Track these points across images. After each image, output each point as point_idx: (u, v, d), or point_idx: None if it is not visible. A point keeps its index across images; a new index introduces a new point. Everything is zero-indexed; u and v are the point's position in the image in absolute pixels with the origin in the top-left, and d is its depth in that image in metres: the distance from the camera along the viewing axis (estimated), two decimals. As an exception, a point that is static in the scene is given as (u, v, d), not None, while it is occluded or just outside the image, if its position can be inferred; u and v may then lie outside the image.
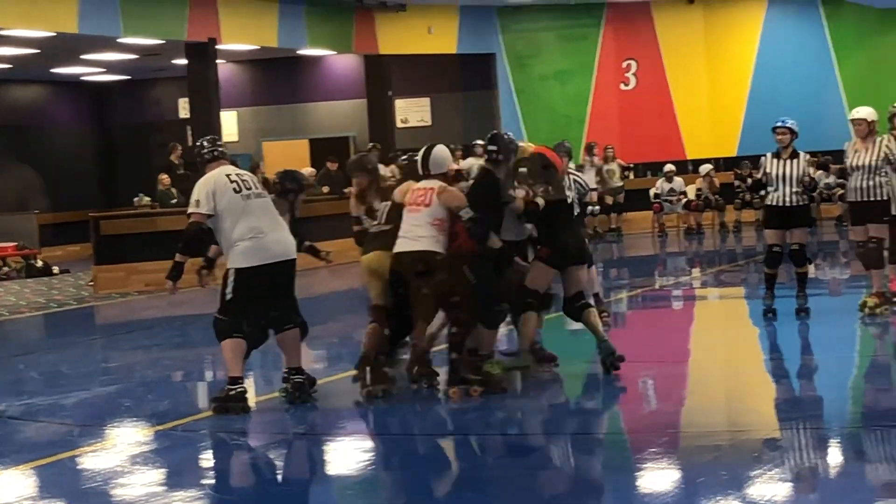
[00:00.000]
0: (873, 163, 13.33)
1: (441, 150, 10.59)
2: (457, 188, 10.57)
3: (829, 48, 29.04)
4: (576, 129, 28.66)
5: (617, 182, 28.28)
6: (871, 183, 13.39)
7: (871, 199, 13.40)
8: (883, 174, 13.29)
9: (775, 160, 13.48)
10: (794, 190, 13.39)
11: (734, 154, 28.89)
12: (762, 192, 13.67)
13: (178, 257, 10.13)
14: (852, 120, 13.65)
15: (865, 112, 13.65)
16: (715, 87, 29.73)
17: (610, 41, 29.72)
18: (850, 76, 28.82)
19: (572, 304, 10.97)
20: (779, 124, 13.51)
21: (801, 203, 13.48)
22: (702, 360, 11.73)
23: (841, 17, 28.50)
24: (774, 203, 13.48)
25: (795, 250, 13.61)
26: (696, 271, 20.76)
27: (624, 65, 29.63)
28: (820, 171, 25.34)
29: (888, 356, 12.13)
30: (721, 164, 28.86)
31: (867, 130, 13.50)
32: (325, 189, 24.63)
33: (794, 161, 13.44)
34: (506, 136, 10.82)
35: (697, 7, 29.64)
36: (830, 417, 9.31)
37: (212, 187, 10.05)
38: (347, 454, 9.11)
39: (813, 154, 16.75)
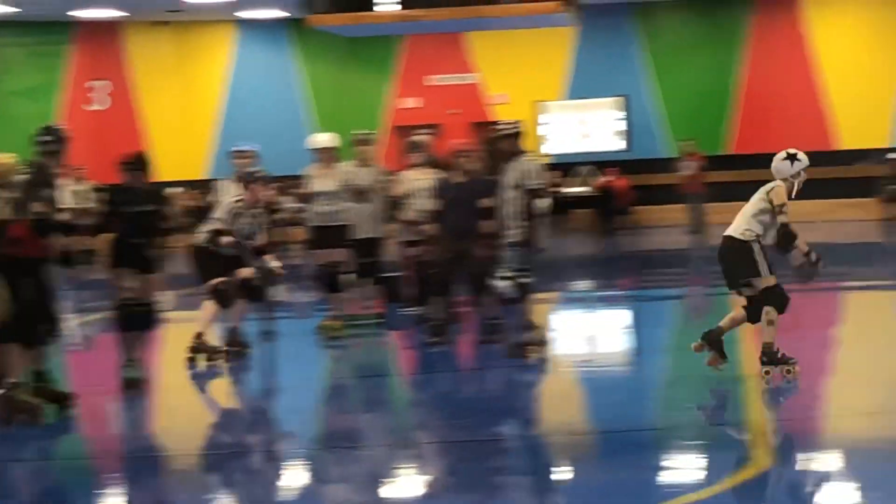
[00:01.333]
0: (334, 188, 13.61)
1: None
2: None
3: (297, 74, 29.57)
4: (44, 148, 27.86)
5: (90, 203, 27.63)
6: (332, 208, 13.66)
7: (332, 224, 13.67)
8: (343, 200, 13.58)
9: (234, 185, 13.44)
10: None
11: (204, 177, 28.86)
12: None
13: None
14: (314, 149, 13.91)
15: (326, 139, 13.96)
16: (187, 110, 29.69)
17: (80, 60, 29.15)
18: (319, 102, 29.44)
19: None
20: (239, 149, 13.54)
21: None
22: (166, 385, 11.62)
23: (309, 43, 29.02)
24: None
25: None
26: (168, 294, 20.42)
27: (93, 84, 29.11)
28: (285, 197, 25.66)
29: (346, 378, 12.39)
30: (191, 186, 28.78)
31: (328, 157, 13.79)
32: None
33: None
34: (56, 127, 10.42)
35: (168, 29, 29.50)
36: (292, 438, 9.43)
37: None
38: None
39: (282, 178, 16.89)
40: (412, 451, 8.92)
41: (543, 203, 11.81)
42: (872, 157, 27.28)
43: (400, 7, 14.45)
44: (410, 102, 29.31)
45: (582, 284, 20.42)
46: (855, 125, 27.81)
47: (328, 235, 13.73)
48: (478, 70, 29.18)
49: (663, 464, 8.25)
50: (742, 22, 28.62)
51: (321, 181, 13.72)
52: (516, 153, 11.72)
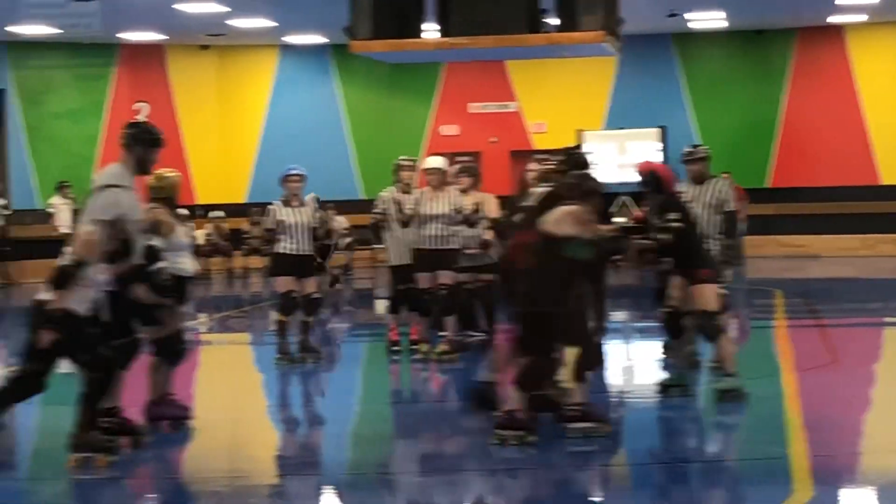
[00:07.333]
0: (446, 212, 13.46)
1: None
2: None
3: (338, 99, 29.66)
4: (86, 168, 27.90)
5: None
6: (444, 232, 13.49)
7: (442, 248, 13.51)
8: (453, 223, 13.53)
9: (286, 208, 13.41)
10: (306, 238, 13.38)
11: (244, 200, 29.01)
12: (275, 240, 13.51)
13: None
14: (426, 169, 13.75)
15: (438, 161, 13.87)
16: (227, 134, 29.82)
17: (123, 82, 29.26)
18: (359, 127, 29.53)
19: None
20: (291, 172, 13.51)
21: (308, 252, 13.45)
22: (205, 407, 11.62)
23: (350, 69, 29.04)
24: (287, 251, 13.40)
25: (311, 299, 13.60)
26: (202, 317, 20.51)
27: (135, 107, 29.11)
28: (341, 218, 25.75)
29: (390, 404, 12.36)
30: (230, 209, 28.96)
31: (439, 179, 13.60)
32: None
33: (304, 209, 13.45)
34: None
35: (211, 53, 29.66)
36: (330, 464, 9.42)
37: None
38: None
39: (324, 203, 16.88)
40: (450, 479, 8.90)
41: (742, 225, 12.56)
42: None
43: (441, 35, 14.45)
44: (450, 129, 29.36)
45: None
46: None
47: (434, 259, 13.52)
48: (518, 98, 29.23)
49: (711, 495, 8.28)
50: (784, 53, 28.56)
51: (432, 204, 13.52)
52: (707, 175, 12.34)
